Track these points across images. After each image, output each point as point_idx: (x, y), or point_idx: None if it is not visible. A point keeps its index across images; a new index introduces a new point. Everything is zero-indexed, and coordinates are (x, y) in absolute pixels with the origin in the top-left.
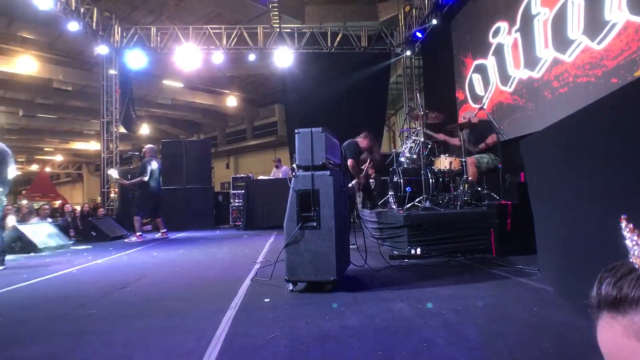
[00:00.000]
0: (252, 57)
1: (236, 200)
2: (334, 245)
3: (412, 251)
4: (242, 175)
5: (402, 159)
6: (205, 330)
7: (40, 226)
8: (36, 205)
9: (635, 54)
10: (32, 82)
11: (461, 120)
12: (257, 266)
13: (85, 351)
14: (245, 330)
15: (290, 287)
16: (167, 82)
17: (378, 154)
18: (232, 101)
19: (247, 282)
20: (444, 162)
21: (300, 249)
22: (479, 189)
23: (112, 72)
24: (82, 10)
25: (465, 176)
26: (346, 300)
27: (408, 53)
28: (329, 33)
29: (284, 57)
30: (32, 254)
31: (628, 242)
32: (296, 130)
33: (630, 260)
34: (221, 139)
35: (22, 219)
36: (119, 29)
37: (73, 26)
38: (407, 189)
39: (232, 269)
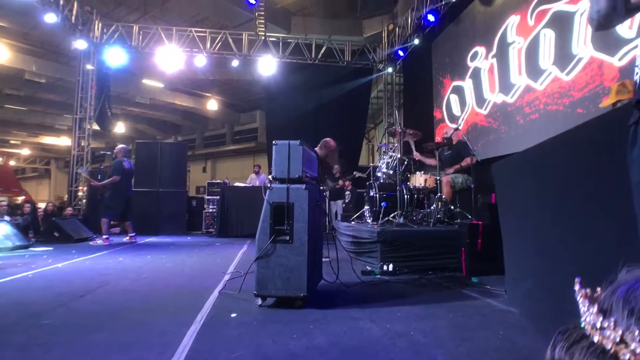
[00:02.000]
0: (235, 62)
1: (210, 206)
2: (306, 261)
3: (384, 267)
4: (218, 181)
5: (379, 174)
6: (167, 346)
7: None
8: None
9: (598, 87)
10: (2, 71)
11: (443, 135)
12: (226, 277)
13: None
14: (209, 347)
15: (259, 301)
16: (147, 82)
17: (335, 163)
18: (213, 105)
19: (215, 294)
20: (419, 179)
21: (272, 263)
22: (452, 207)
23: (89, 67)
24: (61, 2)
25: (439, 194)
26: (315, 317)
27: (389, 70)
28: (313, 45)
29: (267, 65)
30: None
31: (580, 307)
32: (274, 142)
33: (582, 325)
34: (199, 142)
35: None
36: (100, 24)
37: (50, 18)
38: (382, 204)
39: (200, 278)
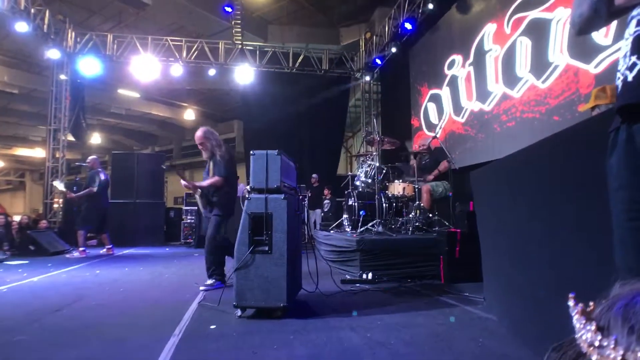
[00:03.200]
0: (212, 72)
1: (188, 217)
2: (285, 271)
3: (364, 276)
4: None
5: (358, 183)
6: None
7: None
8: None
9: (574, 94)
10: None
11: (418, 146)
12: (205, 289)
13: None
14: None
15: (239, 312)
16: (123, 92)
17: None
18: (190, 115)
19: (194, 306)
20: (397, 188)
21: (251, 274)
22: (430, 215)
23: (62, 77)
24: (32, 10)
25: (417, 202)
26: (295, 327)
27: (367, 78)
28: (290, 53)
29: (244, 74)
30: None
31: (576, 324)
32: (251, 152)
33: (577, 342)
34: (177, 152)
35: None
36: (73, 33)
37: (22, 27)
38: (361, 212)
39: (178, 291)
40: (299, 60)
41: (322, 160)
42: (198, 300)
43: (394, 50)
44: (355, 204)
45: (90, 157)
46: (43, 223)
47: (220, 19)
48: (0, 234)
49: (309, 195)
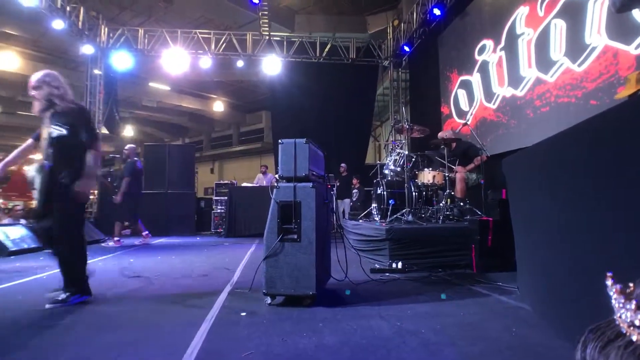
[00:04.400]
0: (240, 63)
1: (218, 207)
2: (314, 259)
3: (394, 265)
4: (226, 182)
5: (387, 171)
6: (177, 346)
7: (12, 228)
8: (10, 205)
9: (613, 77)
10: (14, 78)
11: (443, 136)
12: (235, 277)
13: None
14: (219, 346)
15: (269, 300)
16: (154, 85)
17: None
18: (219, 106)
19: (225, 293)
20: (427, 176)
21: (280, 262)
22: (462, 203)
23: (96, 72)
24: (68, 8)
25: (447, 190)
26: (325, 315)
27: (395, 66)
28: (317, 43)
29: (272, 65)
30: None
31: (614, 303)
32: (280, 141)
33: (616, 322)
34: (207, 144)
35: None
36: (106, 29)
37: (58, 24)
38: (390, 201)
39: (210, 278)
40: (326, 49)
41: (350, 149)
42: (228, 288)
43: (422, 37)
44: (384, 192)
45: (128, 146)
46: None
47: (247, 10)
48: None
49: (338, 184)
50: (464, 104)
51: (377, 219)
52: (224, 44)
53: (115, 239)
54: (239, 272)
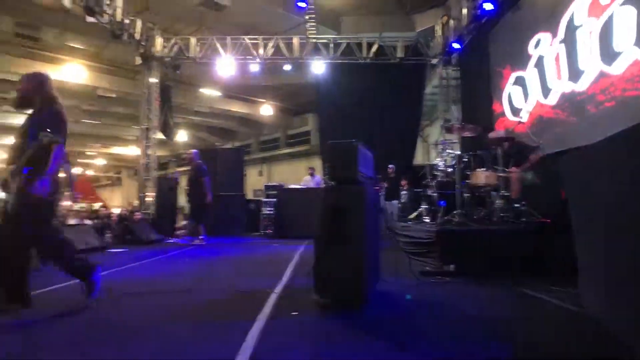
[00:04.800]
0: (287, 67)
1: (267, 208)
2: (364, 261)
3: (445, 268)
4: (275, 184)
5: (437, 172)
6: (231, 342)
7: (79, 227)
8: (77, 207)
9: None
10: (79, 89)
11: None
12: (285, 277)
13: (111, 349)
14: (273, 344)
15: (319, 301)
16: (204, 91)
17: None
18: (266, 110)
19: (276, 293)
20: (479, 177)
21: (330, 264)
22: (517, 205)
23: (152, 80)
24: (127, 21)
25: (501, 191)
26: (374, 319)
27: (444, 64)
28: (364, 44)
29: (318, 68)
30: None
31: None
32: (329, 142)
33: None
34: (255, 147)
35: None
36: (161, 39)
37: (119, 37)
38: (440, 203)
39: (261, 278)
40: (373, 50)
41: (398, 150)
42: (279, 288)
43: (472, 33)
44: (435, 194)
45: (192, 150)
46: (138, 215)
47: (293, 15)
48: (103, 224)
49: (386, 186)
50: (518, 101)
51: (427, 220)
52: (272, 49)
53: (200, 237)
54: (289, 272)
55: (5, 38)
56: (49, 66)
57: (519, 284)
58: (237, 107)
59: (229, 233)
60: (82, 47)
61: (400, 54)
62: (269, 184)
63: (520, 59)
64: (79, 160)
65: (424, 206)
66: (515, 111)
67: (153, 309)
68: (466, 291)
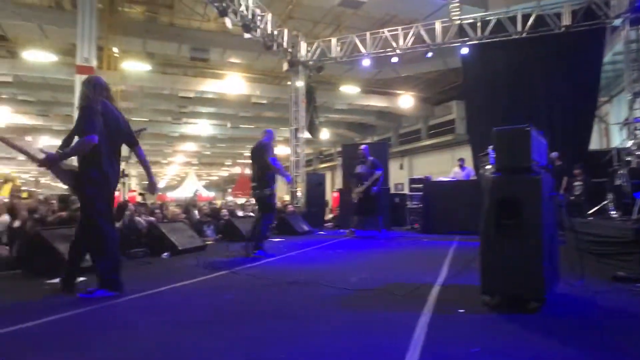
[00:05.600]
0: (429, 54)
1: (413, 202)
2: (541, 258)
3: None
4: (420, 177)
5: (628, 157)
6: (400, 335)
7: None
8: (239, 202)
9: None
10: (236, 99)
11: None
12: (443, 273)
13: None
14: (443, 339)
15: (486, 299)
16: (344, 88)
17: None
18: (406, 101)
19: (437, 288)
20: None
21: (499, 259)
22: None
23: (299, 84)
24: (275, 32)
25: None
26: (555, 326)
27: (632, 23)
28: (518, 17)
29: (465, 50)
30: None
31: None
32: (494, 129)
33: None
34: (395, 140)
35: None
36: (304, 44)
37: (270, 47)
38: (635, 194)
39: (417, 272)
40: (529, 22)
41: (566, 135)
42: (439, 283)
43: None
44: (626, 183)
45: (362, 146)
46: (290, 207)
47: None
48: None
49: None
50: None
51: (614, 215)
52: (412, 38)
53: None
54: (445, 268)
55: (183, 62)
56: (215, 82)
57: None
58: (375, 101)
59: (374, 226)
60: (238, 62)
61: (566, 21)
62: (413, 177)
63: None
64: (237, 161)
65: (610, 197)
66: None
67: (315, 298)
68: None
